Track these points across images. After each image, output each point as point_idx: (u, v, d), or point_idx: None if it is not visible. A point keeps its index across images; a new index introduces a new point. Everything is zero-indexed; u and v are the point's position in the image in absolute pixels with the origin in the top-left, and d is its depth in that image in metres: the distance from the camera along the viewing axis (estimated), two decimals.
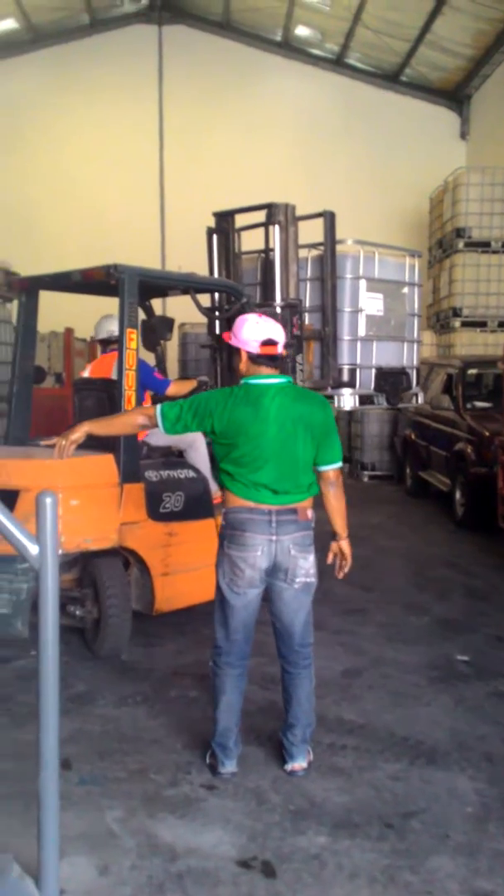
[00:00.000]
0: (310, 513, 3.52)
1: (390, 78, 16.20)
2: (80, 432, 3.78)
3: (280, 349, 3.48)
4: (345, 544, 3.69)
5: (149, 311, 6.37)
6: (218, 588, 3.53)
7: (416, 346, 7.66)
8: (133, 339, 4.98)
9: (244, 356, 3.48)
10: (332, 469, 3.57)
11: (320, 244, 6.61)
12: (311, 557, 3.51)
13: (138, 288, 5.07)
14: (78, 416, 5.54)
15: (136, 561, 5.05)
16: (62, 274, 5.48)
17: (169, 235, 16.08)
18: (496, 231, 11.93)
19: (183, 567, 5.12)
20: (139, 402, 5.43)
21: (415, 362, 7.62)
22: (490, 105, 15.15)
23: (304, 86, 16.44)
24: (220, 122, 15.99)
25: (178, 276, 6.05)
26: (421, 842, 3.11)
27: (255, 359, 3.46)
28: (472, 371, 9.45)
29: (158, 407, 3.55)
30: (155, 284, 5.93)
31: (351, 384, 6.84)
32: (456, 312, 12.16)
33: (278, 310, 6.24)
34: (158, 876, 2.90)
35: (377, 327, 7.05)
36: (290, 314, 6.25)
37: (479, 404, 9.11)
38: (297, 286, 6.37)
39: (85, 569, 4.97)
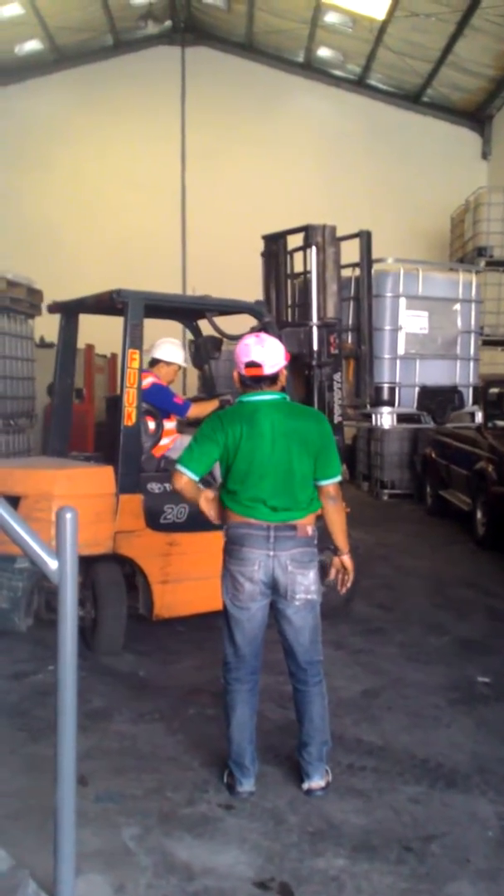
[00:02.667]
0: (310, 529, 3.53)
1: (412, 99, 16.27)
2: (203, 499, 3.68)
3: (267, 371, 3.50)
4: (346, 559, 3.70)
5: (196, 331, 6.44)
6: (223, 604, 3.56)
7: (471, 363, 7.26)
8: (135, 359, 5.33)
9: (236, 376, 3.59)
10: (331, 483, 3.58)
11: (357, 264, 6.59)
12: (312, 574, 3.51)
13: (178, 310, 5.86)
14: (109, 429, 5.99)
15: (135, 568, 5.33)
16: (80, 299, 5.92)
17: (190, 256, 16.18)
18: None
19: (185, 576, 5.34)
20: (159, 427, 5.80)
21: (471, 380, 7.26)
22: None
23: (327, 107, 16.53)
24: (242, 144, 16.10)
25: (189, 300, 6.23)
26: (441, 866, 3.06)
27: (241, 379, 3.57)
28: (494, 390, 9.40)
29: (177, 465, 3.60)
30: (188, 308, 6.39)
31: (390, 403, 6.72)
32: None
33: (314, 329, 6.32)
34: (174, 895, 2.87)
35: (421, 345, 6.86)
36: (326, 333, 6.33)
37: (501, 423, 9.06)
38: (337, 305, 6.40)
39: (87, 573, 5.17)
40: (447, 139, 16.33)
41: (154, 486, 5.41)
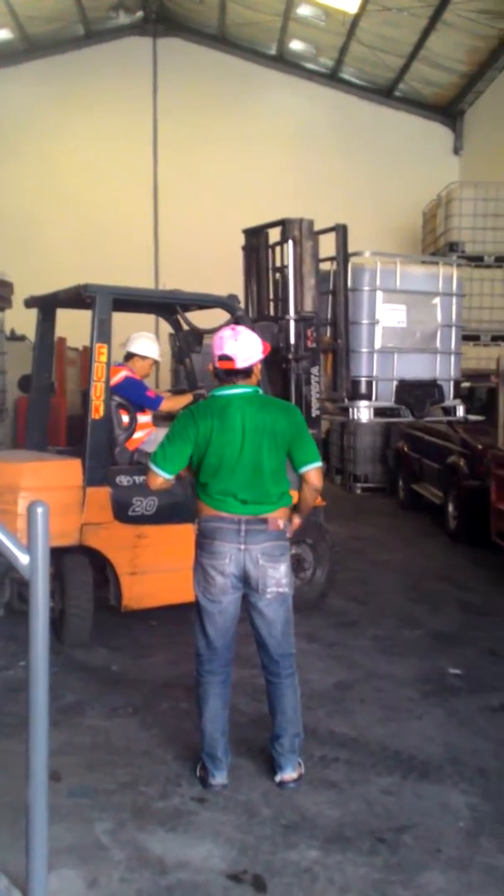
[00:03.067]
0: (281, 523, 3.54)
1: (384, 93, 16.28)
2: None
3: (239, 364, 3.51)
4: (297, 520, 3.73)
5: (176, 325, 6.43)
6: (195, 597, 3.57)
7: (452, 357, 7.18)
8: (103, 353, 5.37)
9: (210, 368, 3.62)
10: (311, 469, 3.60)
11: (334, 258, 6.57)
12: (283, 567, 3.53)
13: (154, 304, 6.02)
14: (82, 422, 5.88)
15: (102, 560, 5.38)
16: (53, 293, 5.91)
17: (162, 247, 16.08)
18: (489, 246, 11.97)
19: (154, 568, 5.40)
20: (132, 420, 5.84)
21: (452, 374, 7.19)
22: (483, 121, 15.24)
23: (299, 100, 16.50)
24: (214, 135, 16.02)
25: (159, 294, 6.27)
26: (413, 856, 3.09)
27: (215, 372, 3.59)
28: (465, 384, 9.45)
29: (150, 462, 3.62)
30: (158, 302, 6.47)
31: (367, 396, 6.68)
32: None
33: (292, 323, 6.33)
34: (148, 889, 2.87)
35: (399, 339, 6.82)
36: (304, 327, 6.33)
37: (472, 417, 9.12)
38: (314, 299, 6.40)
39: (56, 564, 5.16)
40: (419, 134, 16.37)
41: (123, 479, 5.47)
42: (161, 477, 3.57)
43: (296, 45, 15.78)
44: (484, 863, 3.05)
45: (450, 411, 7.33)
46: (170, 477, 3.59)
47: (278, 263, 6.75)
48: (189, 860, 3.03)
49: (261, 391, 3.67)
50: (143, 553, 5.43)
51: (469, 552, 8.13)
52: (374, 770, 3.75)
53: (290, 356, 6.33)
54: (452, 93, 15.62)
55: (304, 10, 14.17)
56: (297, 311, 6.35)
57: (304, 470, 3.60)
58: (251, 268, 6.99)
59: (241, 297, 6.76)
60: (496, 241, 11.71)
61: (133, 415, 5.86)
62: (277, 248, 6.71)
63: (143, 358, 6.11)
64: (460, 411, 7.43)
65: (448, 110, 16.21)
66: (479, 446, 8.22)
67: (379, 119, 16.36)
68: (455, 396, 7.28)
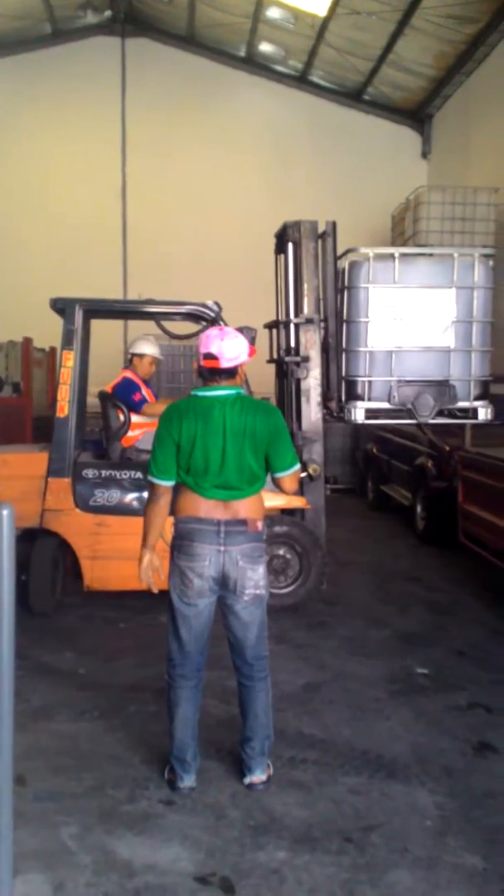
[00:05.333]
0: (260, 524, 3.53)
1: (353, 97, 16.34)
2: (144, 559, 3.61)
3: (224, 364, 3.50)
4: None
5: (164, 329, 6.49)
6: (169, 600, 3.53)
7: (475, 355, 6.41)
8: (69, 359, 5.99)
9: (195, 366, 3.62)
10: (287, 475, 3.60)
11: (342, 255, 6.49)
12: (261, 569, 3.51)
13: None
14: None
15: (64, 543, 6.02)
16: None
17: (131, 248, 15.98)
18: None
19: (115, 554, 5.84)
20: (126, 419, 6.27)
21: (474, 373, 6.42)
22: (450, 125, 15.36)
23: (269, 102, 16.49)
24: (183, 137, 15.96)
25: (129, 304, 6.55)
26: (380, 856, 3.10)
27: (199, 371, 3.58)
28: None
29: (149, 478, 3.59)
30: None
31: (360, 397, 6.37)
32: None
33: (291, 326, 6.42)
34: (115, 893, 2.85)
35: (402, 336, 6.33)
36: (304, 330, 6.39)
37: (442, 420, 9.17)
38: (316, 300, 6.41)
39: (26, 546, 5.87)
40: (388, 138, 16.44)
41: (89, 472, 6.06)
42: (162, 486, 3.54)
43: (265, 48, 15.79)
44: (451, 861, 3.07)
45: (469, 413, 6.59)
46: (171, 483, 3.55)
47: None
48: (156, 863, 3.02)
49: (244, 392, 3.65)
50: (104, 540, 5.94)
51: (437, 553, 8.19)
52: (342, 770, 3.75)
53: (287, 359, 6.41)
54: (421, 97, 15.72)
55: (273, 13, 14.19)
56: (296, 314, 6.41)
57: (281, 475, 3.58)
58: (283, 270, 6.75)
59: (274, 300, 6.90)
60: (463, 244, 11.81)
61: (127, 414, 6.29)
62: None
63: (141, 357, 6.61)
64: (483, 414, 6.52)
65: (416, 114, 16.31)
66: (447, 448, 8.28)
67: (348, 122, 16.42)
68: (480, 397, 6.51)
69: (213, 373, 3.52)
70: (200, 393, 3.55)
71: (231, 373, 3.55)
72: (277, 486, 3.65)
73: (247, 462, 3.46)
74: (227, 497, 3.46)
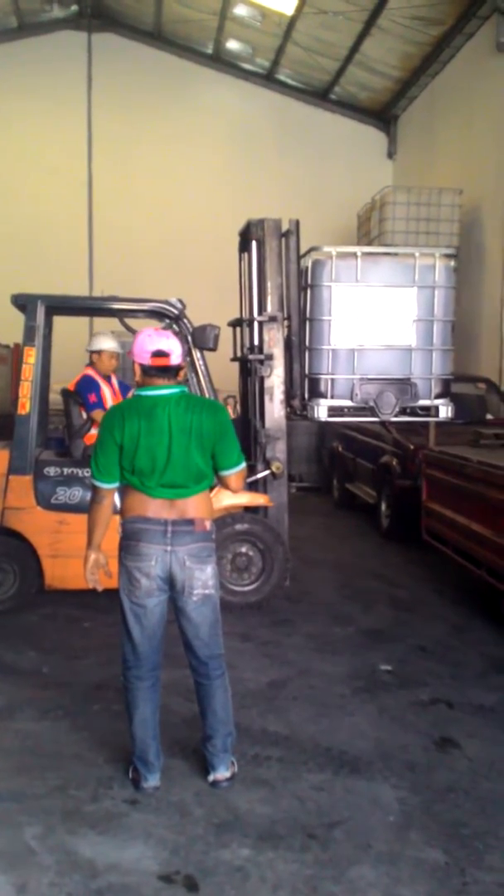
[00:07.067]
0: (208, 524, 3.52)
1: (320, 96, 16.40)
2: (89, 559, 3.61)
3: (174, 360, 3.51)
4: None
5: (128, 326, 6.44)
6: (120, 601, 3.51)
7: (436, 354, 6.47)
8: (31, 355, 6.02)
9: (138, 369, 3.54)
10: (232, 474, 3.60)
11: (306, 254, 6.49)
12: (210, 569, 3.50)
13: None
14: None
15: (25, 541, 5.98)
16: None
17: (97, 244, 15.89)
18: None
19: (76, 553, 5.80)
20: (88, 418, 6.29)
21: (435, 371, 6.48)
22: (416, 126, 15.47)
23: (236, 99, 16.49)
24: (149, 133, 15.91)
25: (91, 301, 6.62)
26: (343, 851, 3.12)
27: (146, 370, 3.53)
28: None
29: (93, 482, 3.55)
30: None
31: (323, 394, 6.40)
32: None
33: (255, 324, 6.41)
34: (78, 893, 2.84)
35: (364, 335, 6.37)
36: (267, 328, 6.39)
37: (405, 418, 9.24)
38: (280, 299, 6.42)
39: None
40: (354, 137, 16.53)
41: (51, 470, 6.06)
42: (104, 489, 3.52)
43: (232, 45, 15.78)
44: (413, 856, 3.10)
45: (430, 411, 6.68)
46: (115, 485, 3.53)
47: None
48: (120, 862, 3.01)
49: (187, 390, 3.65)
50: (64, 538, 5.91)
51: (401, 550, 8.25)
52: (305, 767, 3.77)
53: (251, 357, 6.41)
54: (386, 97, 15.82)
55: (240, 10, 14.19)
56: (260, 312, 6.42)
57: (226, 473, 3.58)
58: (247, 268, 6.79)
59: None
60: (428, 244, 11.90)
61: (88, 412, 6.32)
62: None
63: (99, 353, 6.59)
64: (444, 412, 6.64)
65: (382, 115, 16.41)
66: (411, 446, 8.34)
67: (315, 121, 16.47)
68: (441, 395, 6.60)
69: (162, 370, 3.51)
70: (144, 393, 3.52)
71: (176, 371, 3.56)
72: (223, 485, 3.64)
73: (193, 460, 3.44)
74: (173, 496, 3.45)
